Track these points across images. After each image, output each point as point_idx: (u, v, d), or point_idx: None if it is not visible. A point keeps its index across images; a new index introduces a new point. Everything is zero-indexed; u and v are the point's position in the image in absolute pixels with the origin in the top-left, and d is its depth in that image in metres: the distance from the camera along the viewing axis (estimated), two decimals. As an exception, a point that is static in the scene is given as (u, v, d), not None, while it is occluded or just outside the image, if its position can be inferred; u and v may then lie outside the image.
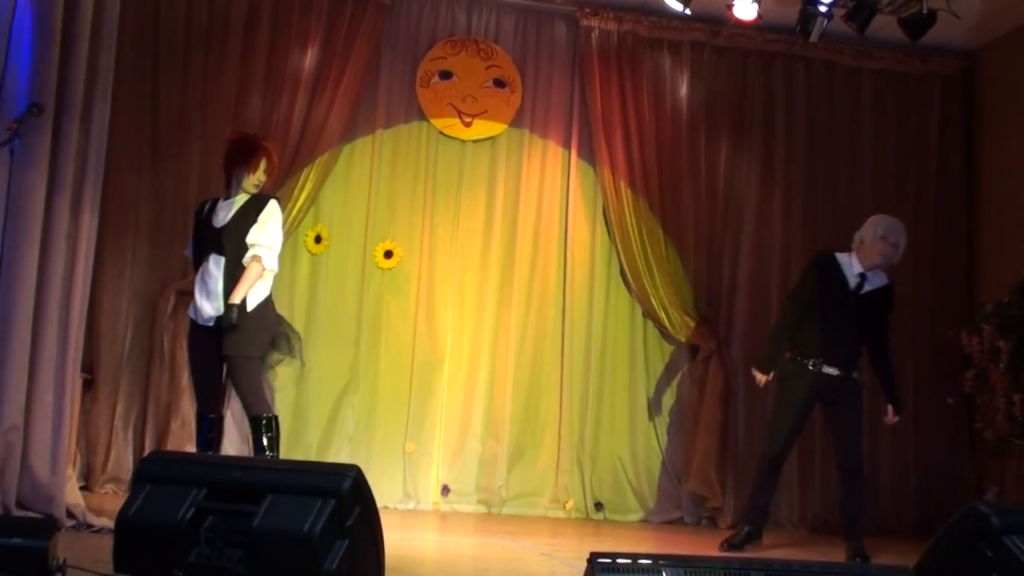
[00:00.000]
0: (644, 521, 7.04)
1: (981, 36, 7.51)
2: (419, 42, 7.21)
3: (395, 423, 6.87)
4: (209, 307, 4.85)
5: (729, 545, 5.75)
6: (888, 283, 5.90)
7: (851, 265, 5.82)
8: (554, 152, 7.29)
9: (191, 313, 4.99)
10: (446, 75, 7.19)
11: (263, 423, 4.89)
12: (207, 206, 5.05)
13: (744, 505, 7.01)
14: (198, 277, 4.94)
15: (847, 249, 5.88)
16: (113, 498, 5.93)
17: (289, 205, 6.66)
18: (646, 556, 3.01)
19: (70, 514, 4.58)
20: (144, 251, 6.57)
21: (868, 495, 5.89)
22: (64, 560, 2.94)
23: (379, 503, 3.26)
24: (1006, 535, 3.08)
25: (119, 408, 6.42)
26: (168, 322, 6.44)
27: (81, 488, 5.58)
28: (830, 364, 5.69)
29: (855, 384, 5.78)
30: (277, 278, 6.76)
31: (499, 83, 7.25)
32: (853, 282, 5.80)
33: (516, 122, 7.25)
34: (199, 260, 4.95)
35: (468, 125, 7.18)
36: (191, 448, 6.07)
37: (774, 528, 7.03)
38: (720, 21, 7.27)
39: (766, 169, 7.48)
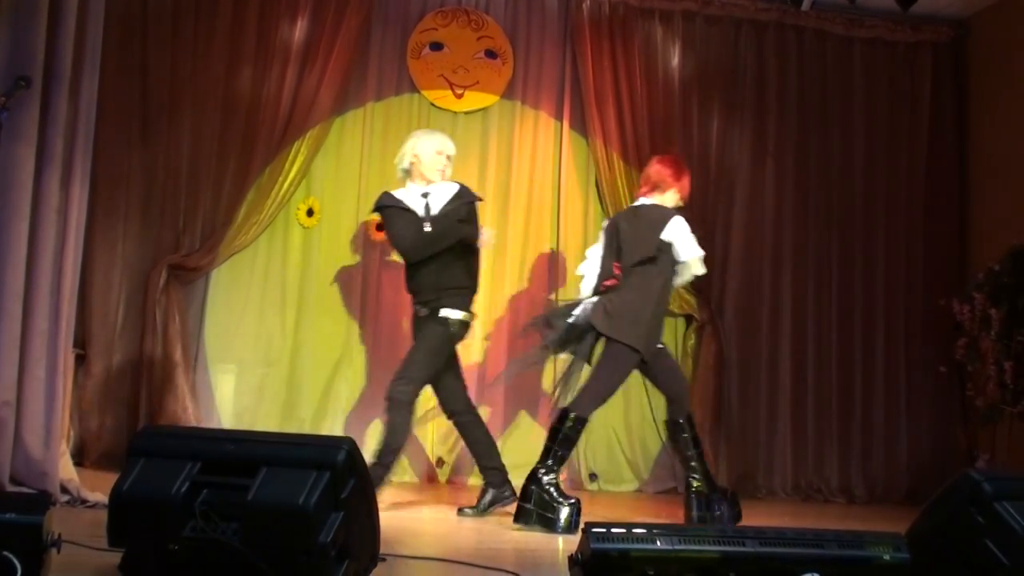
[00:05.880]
0: (638, 491, 7.05)
1: (972, 4, 7.49)
2: (409, 13, 7.16)
3: (389, 396, 6.86)
4: None
5: (474, 511, 5.37)
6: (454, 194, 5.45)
7: (413, 192, 5.45)
8: (546, 123, 7.26)
9: None
10: (437, 46, 7.15)
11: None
12: None
13: (737, 473, 7.07)
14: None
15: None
16: (107, 473, 5.93)
17: (280, 179, 6.64)
18: (641, 525, 3.03)
19: (64, 489, 4.59)
20: (135, 225, 6.53)
21: (386, 434, 5.16)
22: (59, 535, 2.94)
23: (373, 475, 3.26)
24: (997, 501, 3.10)
25: (112, 383, 6.40)
26: (160, 297, 6.39)
27: (75, 463, 5.56)
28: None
29: (418, 321, 5.44)
30: (268, 252, 6.83)
31: (490, 54, 7.21)
32: (421, 206, 5.41)
33: (508, 93, 7.21)
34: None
35: (460, 97, 7.14)
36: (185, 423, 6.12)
37: (768, 496, 7.09)
38: (711, -10, 7.25)
39: (758, 139, 7.47)
